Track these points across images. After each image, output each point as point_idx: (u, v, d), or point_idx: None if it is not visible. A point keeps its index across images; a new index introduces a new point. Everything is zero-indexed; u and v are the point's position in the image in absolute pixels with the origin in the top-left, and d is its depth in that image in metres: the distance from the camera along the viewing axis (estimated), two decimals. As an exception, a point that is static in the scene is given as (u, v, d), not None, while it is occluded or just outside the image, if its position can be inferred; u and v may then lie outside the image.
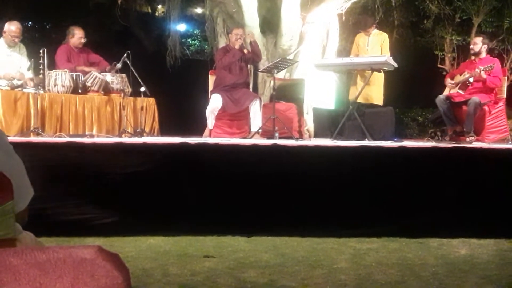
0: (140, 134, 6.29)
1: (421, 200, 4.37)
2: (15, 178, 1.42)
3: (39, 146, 4.47)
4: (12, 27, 6.30)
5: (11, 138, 4.43)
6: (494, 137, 6.32)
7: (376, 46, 7.03)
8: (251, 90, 7.43)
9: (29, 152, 3.85)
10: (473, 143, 5.92)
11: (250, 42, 7.00)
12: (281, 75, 7.68)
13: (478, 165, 4.49)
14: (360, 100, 6.95)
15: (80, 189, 4.23)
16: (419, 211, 4.34)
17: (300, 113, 7.36)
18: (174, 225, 4.16)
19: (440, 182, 4.42)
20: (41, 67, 6.02)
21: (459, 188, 4.39)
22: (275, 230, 4.18)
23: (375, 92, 6.98)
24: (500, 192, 4.35)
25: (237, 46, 6.88)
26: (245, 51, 6.86)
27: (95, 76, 6.44)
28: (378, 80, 6.98)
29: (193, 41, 15.61)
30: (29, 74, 6.19)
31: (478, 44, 6.52)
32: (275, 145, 4.73)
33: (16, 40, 6.33)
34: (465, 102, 6.24)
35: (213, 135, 6.81)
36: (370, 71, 6.66)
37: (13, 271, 0.93)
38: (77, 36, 6.80)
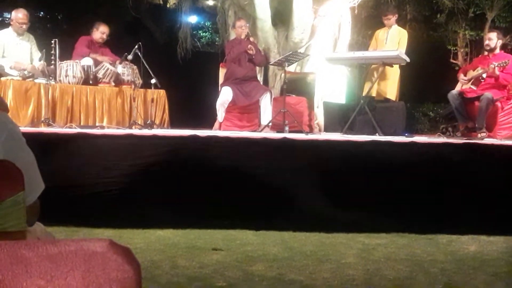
0: (150, 126, 6.30)
1: (430, 195, 4.35)
2: (26, 170, 1.42)
3: (49, 136, 4.50)
4: (19, 14, 6.33)
5: (22, 129, 4.46)
6: (506, 133, 6.27)
7: (394, 40, 6.98)
8: (261, 83, 7.42)
9: (39, 143, 3.87)
10: (485, 139, 5.87)
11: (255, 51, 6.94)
12: (292, 68, 7.66)
13: (490, 161, 4.46)
14: (373, 94, 6.93)
15: (90, 180, 4.25)
16: (429, 207, 4.32)
17: (311, 107, 7.34)
18: (183, 217, 4.17)
19: (450, 177, 4.39)
20: (52, 57, 6.05)
21: (469, 184, 4.36)
22: (284, 224, 4.18)
23: (389, 86, 6.95)
24: (511, 189, 4.32)
25: (243, 36, 6.89)
26: (251, 39, 6.84)
27: (106, 67, 6.46)
28: (394, 75, 6.94)
29: (204, 33, 15.61)
30: (40, 65, 6.22)
31: (493, 39, 6.45)
32: (285, 139, 4.72)
33: (24, 26, 6.35)
34: (478, 98, 6.19)
35: (223, 128, 6.81)
36: (383, 66, 6.63)
37: (25, 264, 0.94)
38: (100, 30, 6.86)
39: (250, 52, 6.77)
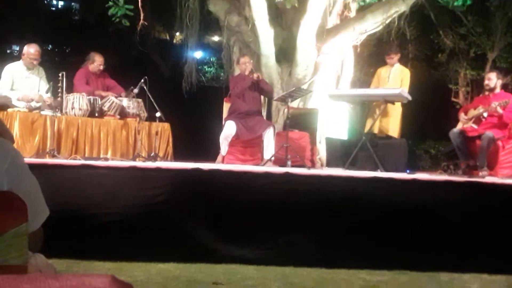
0: (154, 158, 6.34)
1: (432, 233, 4.34)
2: (29, 197, 1.44)
3: (53, 167, 4.53)
4: (31, 49, 6.44)
5: (26, 159, 4.49)
6: (507, 172, 6.27)
7: (397, 79, 7.05)
8: (264, 118, 7.48)
9: (43, 173, 3.90)
10: (486, 177, 5.87)
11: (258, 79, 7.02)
12: (295, 104, 7.72)
13: (491, 200, 4.46)
14: (375, 131, 6.96)
15: (92, 212, 4.26)
16: (431, 244, 4.31)
17: (313, 142, 7.37)
18: (184, 250, 4.16)
19: (452, 215, 4.39)
20: (59, 90, 6.13)
21: (471, 222, 4.35)
22: (285, 258, 4.16)
23: (391, 123, 6.99)
24: (512, 228, 4.31)
25: (247, 72, 6.98)
26: (255, 75, 6.92)
27: (112, 101, 6.54)
28: (396, 112, 6.99)
29: (209, 68, 15.81)
30: (48, 97, 6.29)
31: (493, 79, 6.52)
32: (287, 173, 4.74)
33: (35, 62, 6.45)
34: (479, 137, 6.21)
35: (226, 162, 6.84)
36: (384, 103, 6.69)
37: (27, 299, 0.94)
38: (97, 62, 6.94)
39: (256, 77, 6.85)
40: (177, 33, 14.43)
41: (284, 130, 6.94)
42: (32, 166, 1.70)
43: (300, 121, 7.40)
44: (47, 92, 6.32)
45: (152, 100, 6.56)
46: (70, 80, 6.50)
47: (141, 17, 8.16)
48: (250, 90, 6.97)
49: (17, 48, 12.24)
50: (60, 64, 11.36)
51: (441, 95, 12.09)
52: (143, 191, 4.36)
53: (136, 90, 6.63)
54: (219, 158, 6.92)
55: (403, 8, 8.19)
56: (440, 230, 4.35)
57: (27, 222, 1.43)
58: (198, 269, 3.95)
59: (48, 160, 5.49)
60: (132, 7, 7.96)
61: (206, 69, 15.80)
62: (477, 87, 11.42)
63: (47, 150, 5.85)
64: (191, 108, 10.07)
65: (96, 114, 6.49)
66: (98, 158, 6.05)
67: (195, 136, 9.32)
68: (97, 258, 4.05)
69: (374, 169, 6.26)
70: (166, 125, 7.01)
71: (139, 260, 4.06)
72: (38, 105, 6.15)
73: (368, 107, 7.14)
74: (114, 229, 4.21)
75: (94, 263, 3.98)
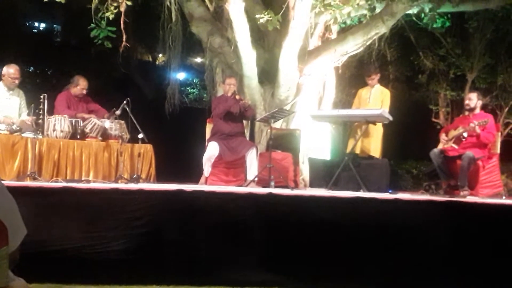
0: (136, 180, 6.30)
1: (414, 252, 4.35)
2: (8, 216, 1.43)
3: (34, 190, 4.48)
4: (11, 69, 6.42)
5: (7, 182, 4.44)
6: (487, 191, 6.34)
7: (377, 99, 7.12)
8: (247, 138, 7.50)
9: (24, 196, 3.85)
10: (467, 197, 5.93)
11: (246, 105, 7.08)
12: (277, 124, 7.76)
13: (472, 219, 4.49)
14: (357, 151, 7.01)
15: (74, 235, 4.21)
16: (412, 264, 4.32)
17: (296, 162, 7.40)
18: (167, 273, 4.13)
19: (434, 235, 4.41)
20: (41, 112, 6.09)
21: (452, 241, 4.38)
22: (268, 281, 4.15)
23: (373, 144, 7.04)
24: (493, 247, 4.34)
25: (229, 93, 7.02)
26: (237, 97, 6.97)
27: (94, 122, 6.51)
28: (377, 132, 7.04)
29: (192, 90, 15.85)
30: (28, 119, 6.23)
31: (473, 99, 6.61)
32: (270, 194, 4.74)
33: (16, 81, 6.42)
34: (459, 157, 6.27)
35: (209, 183, 6.83)
36: (366, 124, 6.76)
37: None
38: (80, 86, 6.92)
39: (238, 97, 6.90)
40: (160, 55, 14.49)
41: (267, 150, 6.97)
42: (12, 189, 1.69)
43: (283, 142, 7.43)
44: (28, 115, 6.28)
45: (135, 121, 6.55)
46: (51, 102, 6.47)
47: (124, 39, 8.17)
48: (233, 111, 7.00)
49: (-1, 71, 12.19)
50: (42, 86, 11.30)
51: (422, 115, 12.25)
52: (126, 213, 4.32)
53: (118, 112, 6.61)
54: (202, 179, 6.91)
55: (383, 30, 8.33)
56: (421, 249, 4.36)
57: (7, 245, 1.42)
58: (182, 292, 3.92)
59: (29, 183, 5.43)
60: (114, 29, 7.98)
61: (189, 90, 15.83)
62: (457, 108, 11.60)
63: (28, 172, 5.78)
64: (174, 130, 10.06)
65: (78, 136, 6.45)
66: (79, 180, 6.00)
67: (178, 158, 9.29)
68: (78, 282, 3.99)
69: (357, 189, 6.29)
70: (149, 147, 6.98)
71: (122, 283, 4.01)
72: (19, 127, 6.09)
73: (349, 128, 7.20)
74: (96, 252, 4.16)
75: None
